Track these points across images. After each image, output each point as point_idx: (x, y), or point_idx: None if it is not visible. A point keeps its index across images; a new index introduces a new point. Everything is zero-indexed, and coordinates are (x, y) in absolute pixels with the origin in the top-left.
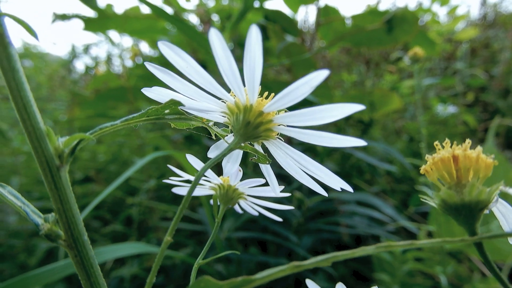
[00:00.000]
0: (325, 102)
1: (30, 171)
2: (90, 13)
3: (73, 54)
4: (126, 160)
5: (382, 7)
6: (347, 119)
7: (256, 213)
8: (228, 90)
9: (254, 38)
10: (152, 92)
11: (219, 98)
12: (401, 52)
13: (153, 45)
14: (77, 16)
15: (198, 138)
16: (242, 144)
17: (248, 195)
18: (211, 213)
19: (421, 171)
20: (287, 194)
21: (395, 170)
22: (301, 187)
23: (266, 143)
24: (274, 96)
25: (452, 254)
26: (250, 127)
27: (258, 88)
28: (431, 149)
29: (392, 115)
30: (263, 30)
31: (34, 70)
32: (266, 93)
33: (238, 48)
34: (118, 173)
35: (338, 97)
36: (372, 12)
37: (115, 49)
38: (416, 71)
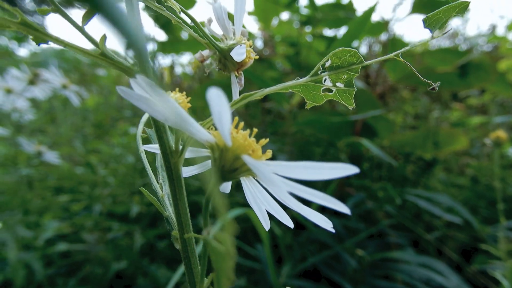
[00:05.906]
0: (387, 135)
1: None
2: (162, 36)
3: None
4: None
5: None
6: (408, 156)
7: None
8: None
9: None
10: None
11: None
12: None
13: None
14: (153, 40)
15: None
16: None
17: None
18: (271, 253)
19: None
20: None
21: (458, 222)
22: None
23: None
24: None
25: None
26: None
27: None
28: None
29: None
30: None
31: (108, 78)
32: None
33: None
34: None
35: (399, 133)
36: (444, 50)
37: (178, 58)
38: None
